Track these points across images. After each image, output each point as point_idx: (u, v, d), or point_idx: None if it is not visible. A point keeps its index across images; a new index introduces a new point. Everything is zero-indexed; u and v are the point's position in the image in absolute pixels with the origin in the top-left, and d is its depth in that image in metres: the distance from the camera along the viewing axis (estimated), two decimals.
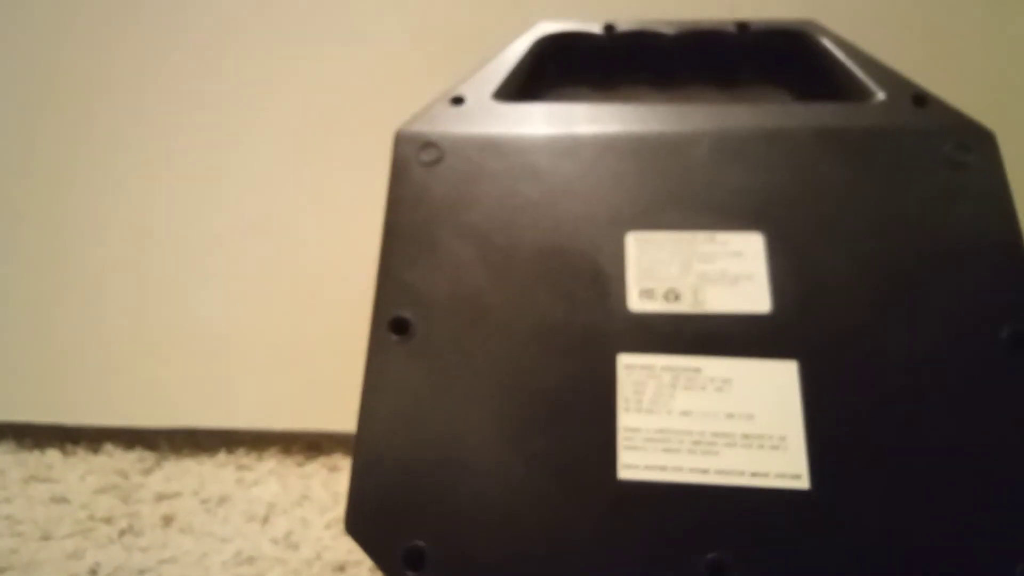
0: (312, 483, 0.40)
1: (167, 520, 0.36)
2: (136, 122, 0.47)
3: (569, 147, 0.34)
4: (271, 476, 0.40)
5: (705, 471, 0.28)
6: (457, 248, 0.32)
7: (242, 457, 0.42)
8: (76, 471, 0.40)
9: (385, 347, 0.30)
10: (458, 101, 0.36)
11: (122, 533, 0.35)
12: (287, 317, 0.43)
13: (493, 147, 0.34)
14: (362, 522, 0.28)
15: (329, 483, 0.40)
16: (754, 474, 0.27)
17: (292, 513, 0.37)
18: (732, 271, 0.31)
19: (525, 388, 0.29)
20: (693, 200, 0.32)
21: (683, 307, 0.30)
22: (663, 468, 0.28)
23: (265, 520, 0.36)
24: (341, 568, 0.32)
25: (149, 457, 0.42)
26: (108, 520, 0.36)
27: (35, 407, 0.43)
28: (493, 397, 0.29)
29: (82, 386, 0.43)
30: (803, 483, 0.27)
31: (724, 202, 0.32)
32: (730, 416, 0.28)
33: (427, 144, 0.34)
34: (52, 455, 0.42)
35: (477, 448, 0.28)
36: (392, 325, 0.30)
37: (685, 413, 0.29)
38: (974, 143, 0.33)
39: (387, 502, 0.28)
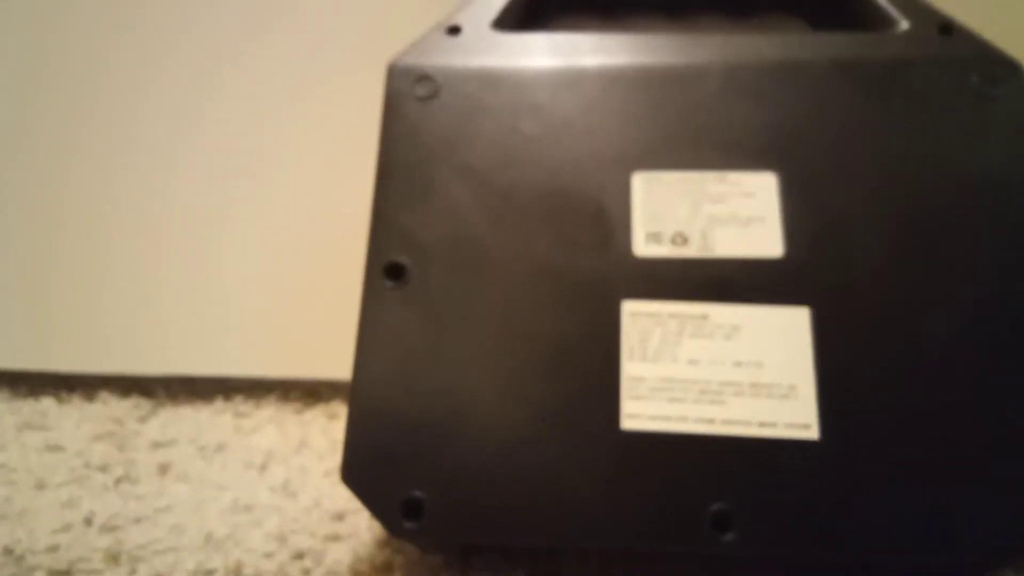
0: (311, 431, 0.39)
1: (163, 468, 0.36)
2: (124, 63, 0.45)
3: (573, 80, 0.32)
4: (269, 424, 0.40)
5: (711, 421, 0.27)
6: (454, 189, 0.30)
7: (240, 404, 0.41)
8: (71, 419, 0.40)
9: (380, 293, 0.29)
10: (455, 31, 0.34)
11: (118, 481, 0.34)
12: (284, 262, 0.42)
13: (492, 80, 0.32)
14: (359, 472, 0.27)
15: (328, 430, 0.39)
16: (762, 424, 0.27)
17: (290, 461, 0.36)
18: (743, 213, 0.29)
19: (525, 336, 0.28)
20: (703, 137, 0.31)
21: (691, 251, 0.29)
22: (668, 418, 0.27)
23: (263, 468, 0.36)
24: (340, 516, 0.32)
25: (145, 405, 0.41)
26: (104, 468, 0.35)
27: (29, 354, 0.42)
28: (492, 345, 0.28)
29: (77, 333, 0.42)
30: (812, 433, 0.26)
31: (736, 139, 0.30)
32: (738, 364, 0.27)
33: (422, 77, 0.32)
34: (47, 403, 0.41)
35: (476, 397, 0.28)
36: (387, 270, 0.29)
37: (692, 361, 0.28)
38: (1002, 75, 0.31)
39: (384, 451, 0.27)
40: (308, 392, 0.42)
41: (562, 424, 0.27)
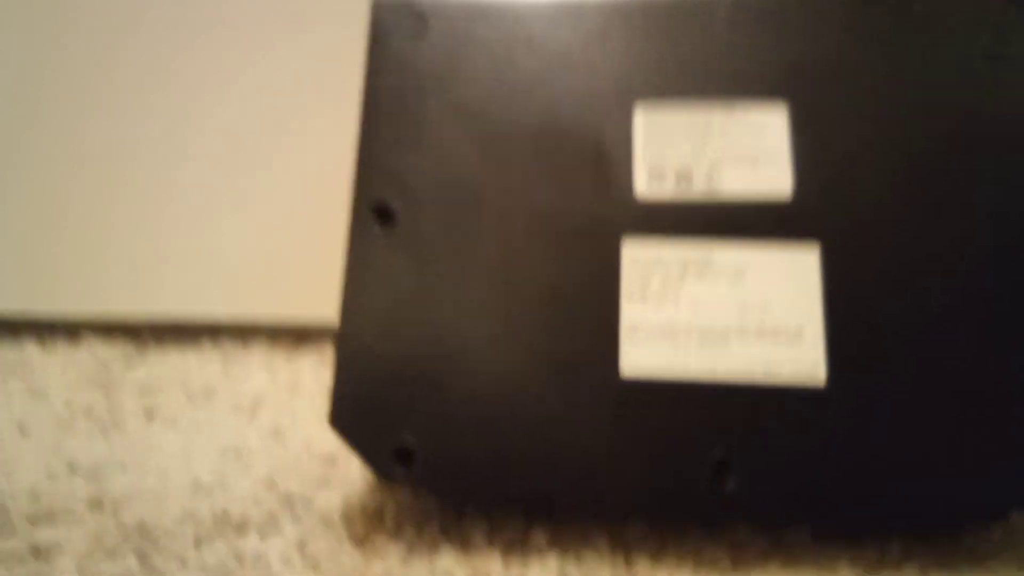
0: (301, 374, 0.38)
1: (150, 413, 0.35)
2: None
3: (572, 11, 0.30)
4: (259, 368, 0.39)
5: (714, 367, 0.26)
6: (444, 128, 0.29)
7: (228, 348, 0.40)
8: (55, 364, 0.39)
9: (367, 237, 0.28)
10: None
11: (103, 427, 0.34)
12: (275, 203, 0.40)
13: (485, 13, 0.30)
14: (348, 417, 0.27)
15: (319, 374, 0.38)
16: (767, 370, 0.26)
17: (280, 405, 0.36)
18: (751, 149, 0.28)
19: (521, 280, 0.27)
20: (710, 70, 0.29)
21: (695, 191, 0.28)
22: (669, 364, 0.26)
23: (252, 413, 0.35)
24: (331, 461, 0.31)
25: (131, 348, 0.40)
26: (89, 414, 0.35)
27: (10, 297, 0.41)
28: (486, 289, 0.27)
29: (60, 275, 0.41)
30: (819, 380, 0.25)
31: (745, 71, 0.29)
32: (743, 308, 0.26)
33: (409, 12, 0.30)
34: (30, 348, 0.40)
35: (469, 343, 0.27)
36: (374, 213, 0.28)
37: (694, 305, 0.26)
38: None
39: (374, 397, 0.26)
40: (299, 335, 0.41)
41: (559, 371, 0.26)
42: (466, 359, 0.26)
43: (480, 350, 0.26)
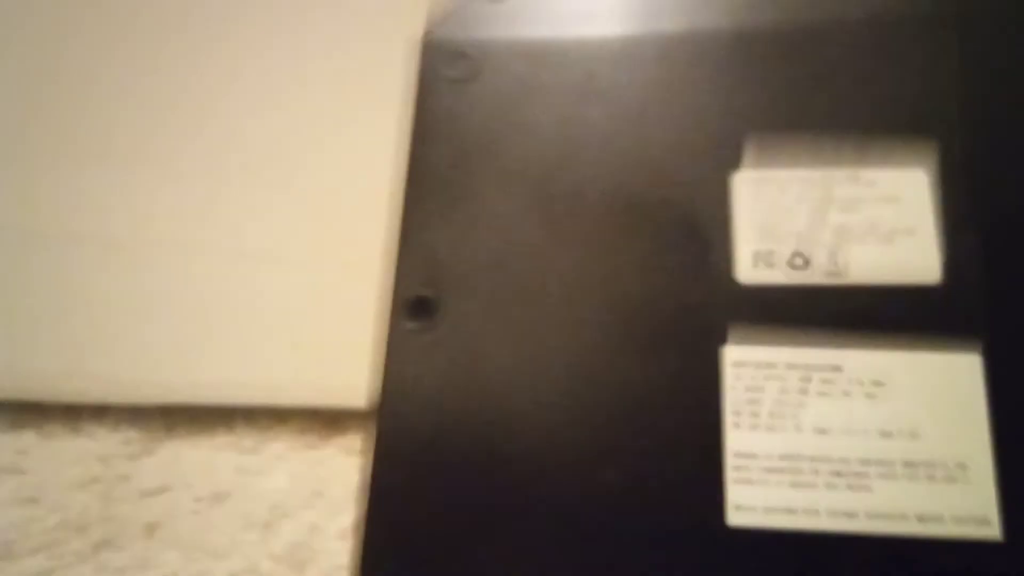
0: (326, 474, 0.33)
1: (151, 529, 0.30)
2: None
3: (654, 50, 0.24)
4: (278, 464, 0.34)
5: (853, 515, 0.20)
6: (499, 198, 0.24)
7: (244, 439, 0.35)
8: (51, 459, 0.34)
9: (402, 337, 0.22)
10: None
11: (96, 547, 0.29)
12: (291, 281, 0.35)
13: (547, 55, 0.25)
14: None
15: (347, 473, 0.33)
16: (922, 518, 0.19)
17: (299, 516, 0.30)
18: (885, 224, 0.22)
19: (593, 394, 0.21)
20: (827, 121, 0.23)
21: (815, 277, 0.22)
22: (791, 511, 0.20)
23: (267, 526, 0.30)
24: None
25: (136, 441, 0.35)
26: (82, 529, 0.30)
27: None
28: (550, 406, 0.22)
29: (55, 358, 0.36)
30: (992, 530, 0.19)
31: (873, 122, 0.23)
32: (885, 434, 0.20)
33: (457, 54, 0.25)
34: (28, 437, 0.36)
35: (528, 476, 0.21)
36: (409, 308, 0.23)
37: (821, 431, 0.20)
38: None
39: (414, 548, 0.21)
40: (328, 422, 0.36)
41: (644, 515, 0.20)
42: (528, 497, 0.21)
43: (541, 485, 0.21)
